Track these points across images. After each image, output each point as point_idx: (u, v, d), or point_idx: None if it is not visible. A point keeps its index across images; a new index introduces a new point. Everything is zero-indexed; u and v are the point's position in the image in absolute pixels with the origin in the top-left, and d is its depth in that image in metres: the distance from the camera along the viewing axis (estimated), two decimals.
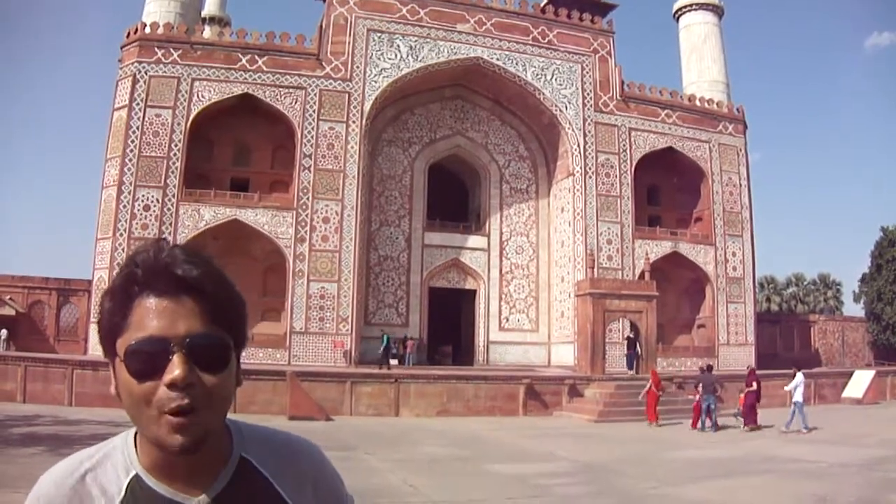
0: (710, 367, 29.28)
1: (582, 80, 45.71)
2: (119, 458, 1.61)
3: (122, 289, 1.56)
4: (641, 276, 39.21)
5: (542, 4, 46.66)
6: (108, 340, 1.56)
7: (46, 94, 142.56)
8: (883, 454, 19.01)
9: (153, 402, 1.47)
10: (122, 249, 36.81)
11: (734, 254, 47.76)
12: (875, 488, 14.19)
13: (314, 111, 40.15)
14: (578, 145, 44.90)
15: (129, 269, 1.57)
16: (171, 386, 1.45)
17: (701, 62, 53.87)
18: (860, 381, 37.81)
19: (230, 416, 1.70)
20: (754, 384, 26.86)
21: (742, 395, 27.30)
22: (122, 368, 1.51)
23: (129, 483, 1.57)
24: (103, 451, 1.64)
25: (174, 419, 1.46)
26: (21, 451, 15.76)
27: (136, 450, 1.61)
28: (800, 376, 26.51)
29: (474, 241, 47.47)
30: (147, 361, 1.48)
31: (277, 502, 1.66)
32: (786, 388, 26.86)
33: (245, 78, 39.72)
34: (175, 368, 1.46)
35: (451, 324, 47.64)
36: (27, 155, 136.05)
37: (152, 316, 1.51)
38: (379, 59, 41.73)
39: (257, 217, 38.93)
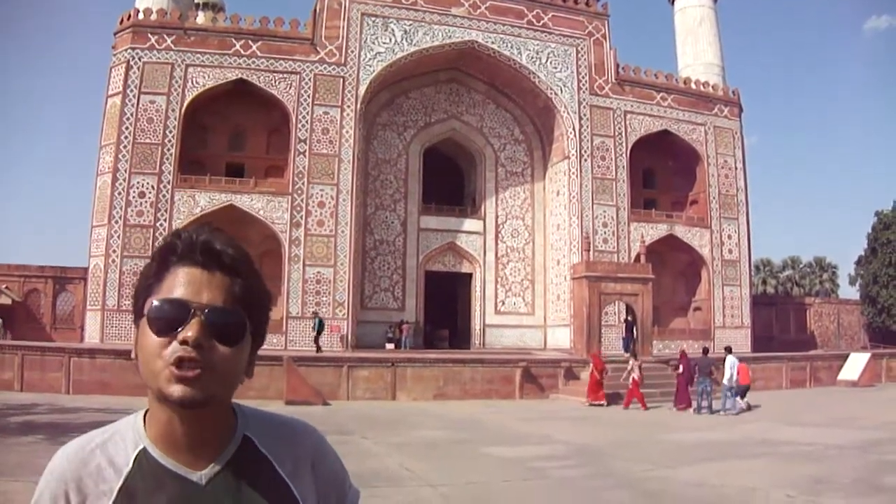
0: (706, 350, 29.37)
1: (577, 63, 45.60)
2: (128, 434, 1.69)
3: (160, 257, 1.69)
4: (637, 258, 39.23)
5: None
6: (138, 302, 1.68)
7: (41, 82, 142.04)
8: (878, 436, 19.11)
9: (164, 354, 1.56)
10: (118, 237, 36.77)
11: (730, 236, 47.79)
12: (870, 470, 14.25)
13: (309, 96, 40.05)
14: (574, 128, 44.84)
15: (170, 239, 1.70)
16: (183, 342, 1.55)
17: (696, 45, 53.73)
18: (855, 364, 37.99)
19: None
20: (680, 367, 27.86)
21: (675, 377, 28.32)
22: (144, 327, 1.61)
23: (136, 455, 1.64)
24: (114, 429, 1.72)
25: (178, 371, 1.55)
26: (19, 439, 15.77)
27: (145, 426, 1.68)
28: (731, 358, 26.86)
29: (470, 224, 47.47)
30: (167, 320, 1.59)
31: (277, 481, 1.72)
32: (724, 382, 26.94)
33: (239, 63, 39.56)
34: (190, 329, 1.56)
35: (447, 307, 47.73)
36: (22, 143, 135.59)
37: (183, 283, 1.63)
38: (373, 43, 41.59)
39: (253, 202, 38.87)
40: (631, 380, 28.23)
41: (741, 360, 28.05)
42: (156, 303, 1.61)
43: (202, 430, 1.64)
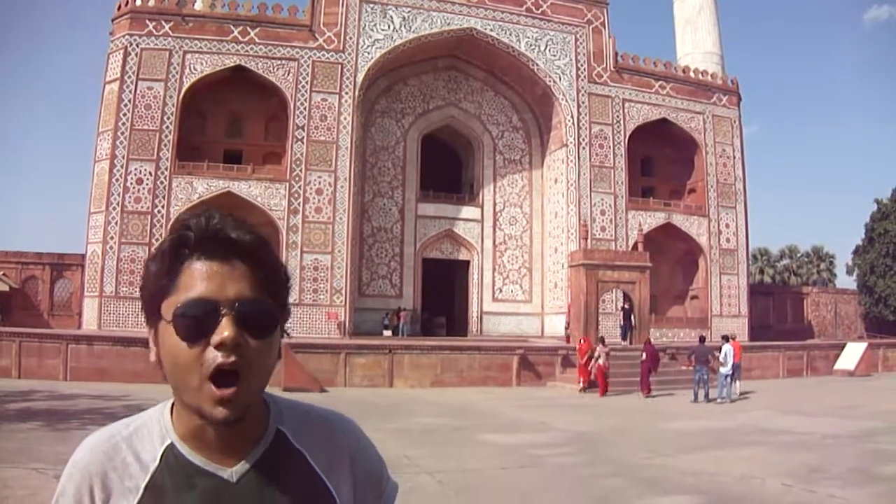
0: (702, 339, 29.42)
1: (576, 50, 45.54)
2: (155, 428, 1.63)
3: (171, 251, 1.56)
4: (635, 247, 39.24)
5: None
6: (152, 304, 1.57)
7: (38, 69, 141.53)
8: (874, 426, 19.14)
9: (202, 363, 1.47)
10: (116, 223, 36.76)
11: (727, 225, 47.84)
12: (866, 459, 14.28)
13: (307, 82, 39.99)
14: (572, 116, 44.81)
15: (180, 231, 1.58)
16: (220, 346, 1.46)
17: (695, 34, 53.67)
18: (852, 354, 38.06)
19: None
20: (644, 354, 28.38)
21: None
22: (168, 332, 1.51)
23: (163, 451, 1.59)
24: (140, 420, 1.66)
25: (217, 391, 1.47)
26: (18, 426, 15.75)
27: (172, 420, 1.63)
28: (727, 346, 26.97)
29: (468, 211, 47.49)
30: (197, 323, 1.48)
31: (311, 477, 1.66)
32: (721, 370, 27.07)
33: (237, 50, 39.50)
34: (224, 329, 1.46)
35: (444, 295, 47.81)
36: (19, 130, 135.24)
37: (202, 278, 1.52)
38: (372, 29, 41.50)
39: (250, 189, 38.85)
40: (597, 366, 28.59)
41: (732, 337, 28.79)
42: (181, 305, 1.49)
43: (236, 433, 1.58)
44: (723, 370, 26.55)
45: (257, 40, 39.74)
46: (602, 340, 29.68)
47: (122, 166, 37.53)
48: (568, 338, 36.66)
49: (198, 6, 41.62)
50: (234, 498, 1.56)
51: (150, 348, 1.58)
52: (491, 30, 43.96)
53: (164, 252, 1.57)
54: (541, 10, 45.05)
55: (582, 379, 28.77)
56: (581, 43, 45.77)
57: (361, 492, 1.75)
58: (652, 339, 31.65)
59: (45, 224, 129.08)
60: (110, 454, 1.58)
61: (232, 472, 1.58)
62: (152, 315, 1.57)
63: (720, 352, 27.00)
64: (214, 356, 1.46)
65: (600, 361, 28.39)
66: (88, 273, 37.54)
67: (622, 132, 45.76)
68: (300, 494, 1.62)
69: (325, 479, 1.67)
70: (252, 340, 1.50)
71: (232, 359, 1.46)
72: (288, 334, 1.72)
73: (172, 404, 1.64)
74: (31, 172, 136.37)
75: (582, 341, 29.96)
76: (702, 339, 29.14)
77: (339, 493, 1.68)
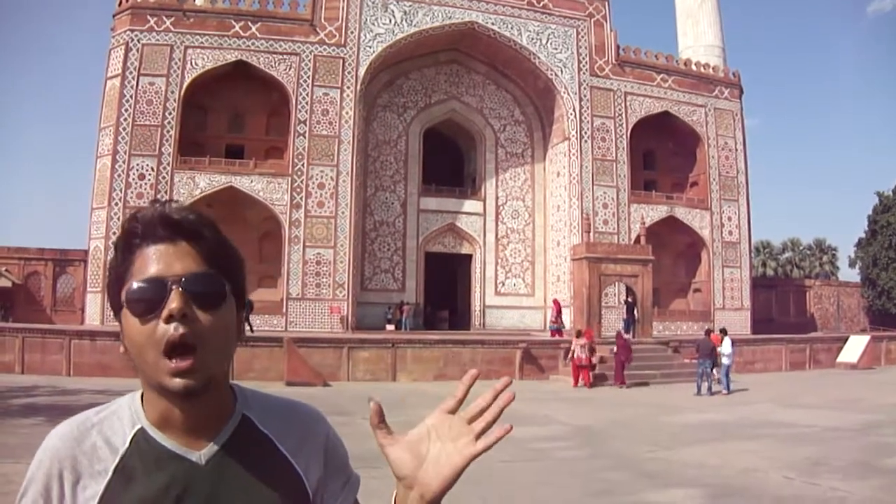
0: (708, 332, 29.47)
1: (577, 44, 45.48)
2: (125, 413, 1.66)
3: (123, 243, 1.64)
4: (637, 240, 39.23)
5: None
6: (114, 294, 1.63)
7: (40, 64, 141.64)
8: (877, 419, 19.15)
9: (154, 340, 1.52)
10: (118, 219, 36.73)
11: (730, 218, 47.80)
12: (868, 452, 14.30)
13: (308, 77, 39.97)
14: (574, 109, 44.78)
15: (129, 224, 1.64)
16: (169, 318, 1.51)
17: (697, 27, 53.53)
18: (855, 347, 38.04)
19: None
20: (615, 348, 29.21)
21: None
22: (127, 317, 1.57)
23: (133, 436, 1.62)
24: (110, 409, 1.69)
25: (172, 364, 1.51)
26: (21, 421, 15.79)
27: (143, 406, 1.66)
28: (728, 340, 27.18)
29: (470, 205, 47.48)
30: (147, 301, 1.54)
31: (278, 459, 1.70)
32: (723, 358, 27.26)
33: (239, 45, 39.47)
34: (171, 302, 1.52)
35: (447, 289, 47.82)
36: (22, 125, 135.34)
37: (152, 261, 1.58)
38: (373, 24, 41.45)
39: (252, 184, 38.85)
40: (570, 360, 29.15)
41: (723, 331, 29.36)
42: (132, 287, 1.56)
43: (201, 411, 1.61)
44: (725, 361, 26.75)
45: (258, 35, 39.71)
46: (578, 334, 29.80)
47: (123, 162, 37.54)
48: (553, 332, 36.86)
49: (199, 1, 41.58)
50: (202, 480, 1.59)
51: (121, 340, 1.62)
52: (492, 23, 43.89)
53: (117, 246, 1.66)
54: (542, 3, 44.95)
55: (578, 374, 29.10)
56: (583, 36, 45.70)
57: (331, 478, 1.79)
58: (654, 332, 31.78)
59: (48, 220, 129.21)
60: (80, 439, 1.60)
61: (200, 454, 1.62)
62: (116, 306, 1.62)
63: (723, 345, 27.19)
64: (166, 329, 1.52)
65: (577, 353, 28.63)
66: (91, 268, 37.58)
67: (624, 125, 45.72)
68: (268, 475, 1.66)
69: (293, 460, 1.72)
70: (202, 314, 1.56)
71: (181, 331, 1.51)
72: (251, 327, 1.76)
73: (143, 393, 1.68)
74: (32, 168, 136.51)
75: (582, 333, 30.03)
76: (707, 333, 29.35)
77: (307, 474, 1.73)
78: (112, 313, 1.64)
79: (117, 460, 1.58)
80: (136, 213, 1.65)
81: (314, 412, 1.86)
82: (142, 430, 1.62)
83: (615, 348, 29.21)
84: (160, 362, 1.52)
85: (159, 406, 1.62)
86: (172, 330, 1.51)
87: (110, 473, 1.57)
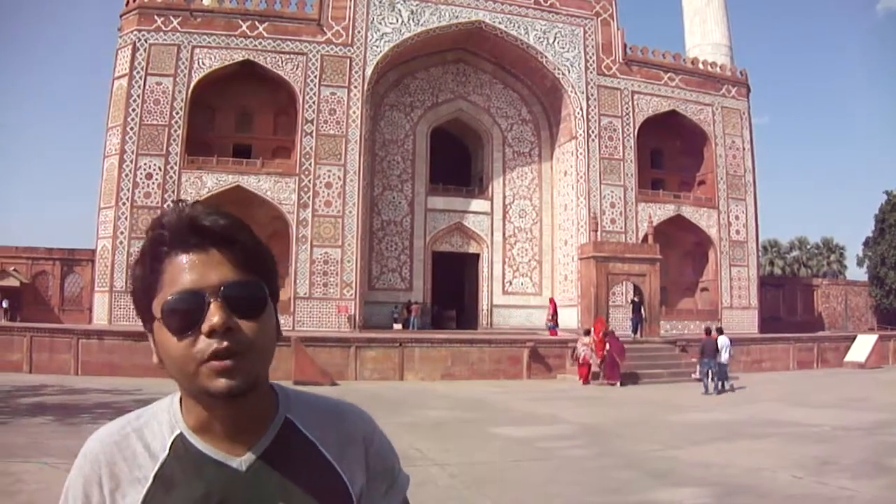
0: (708, 331, 29.44)
1: (584, 43, 45.44)
2: (164, 418, 1.63)
3: (150, 252, 1.56)
4: (645, 239, 39.18)
5: None
6: (143, 305, 1.57)
7: (47, 64, 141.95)
8: (885, 418, 19.09)
9: (194, 354, 1.47)
10: (125, 218, 36.87)
11: (737, 217, 47.73)
12: (876, 451, 14.25)
13: (315, 76, 40.00)
14: (581, 108, 44.74)
15: (155, 231, 1.57)
16: (211, 333, 1.46)
17: (704, 25, 53.47)
18: (863, 346, 37.98)
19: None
20: (608, 346, 29.03)
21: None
22: (161, 330, 1.51)
23: (172, 441, 1.59)
24: (149, 412, 1.66)
25: (216, 363, 1.46)
26: (29, 420, 15.81)
27: (182, 410, 1.63)
28: (724, 339, 27.20)
29: (477, 204, 47.46)
30: (185, 316, 1.48)
31: (322, 464, 1.66)
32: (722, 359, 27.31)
33: (246, 44, 39.52)
34: (213, 316, 1.46)
35: (454, 288, 47.81)
36: (30, 125, 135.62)
37: (184, 271, 1.52)
38: (380, 23, 41.47)
39: (260, 183, 38.90)
40: (573, 357, 29.55)
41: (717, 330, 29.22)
42: (168, 300, 1.49)
43: (243, 413, 1.58)
44: (724, 360, 26.81)
45: (266, 35, 39.74)
46: (587, 332, 29.90)
47: (131, 161, 37.60)
48: (549, 330, 36.90)
49: (206, 1, 41.65)
50: (243, 487, 1.56)
51: (152, 350, 1.58)
52: (499, 23, 43.87)
53: (143, 255, 1.58)
54: (549, 2, 44.92)
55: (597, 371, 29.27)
56: (590, 35, 45.65)
57: (374, 481, 1.74)
58: (661, 332, 31.77)
59: (56, 219, 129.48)
60: (120, 444, 1.58)
61: (241, 460, 1.58)
62: (146, 317, 1.57)
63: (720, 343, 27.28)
64: (208, 344, 1.47)
65: (579, 352, 28.69)
66: (99, 268, 37.65)
67: (631, 124, 45.66)
68: (311, 482, 1.61)
69: (337, 466, 1.67)
70: (244, 322, 1.50)
71: (225, 344, 1.46)
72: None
73: (181, 397, 1.64)
74: (40, 168, 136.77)
75: (590, 331, 30.08)
76: (707, 332, 29.33)
77: (352, 481, 1.67)
78: (141, 323, 1.60)
79: (157, 467, 1.56)
80: (161, 217, 1.58)
81: (361, 414, 1.82)
82: (181, 435, 1.59)
83: (607, 346, 29.20)
84: (202, 368, 1.47)
85: (199, 414, 1.58)
86: (216, 345, 1.46)
87: (150, 481, 1.55)
